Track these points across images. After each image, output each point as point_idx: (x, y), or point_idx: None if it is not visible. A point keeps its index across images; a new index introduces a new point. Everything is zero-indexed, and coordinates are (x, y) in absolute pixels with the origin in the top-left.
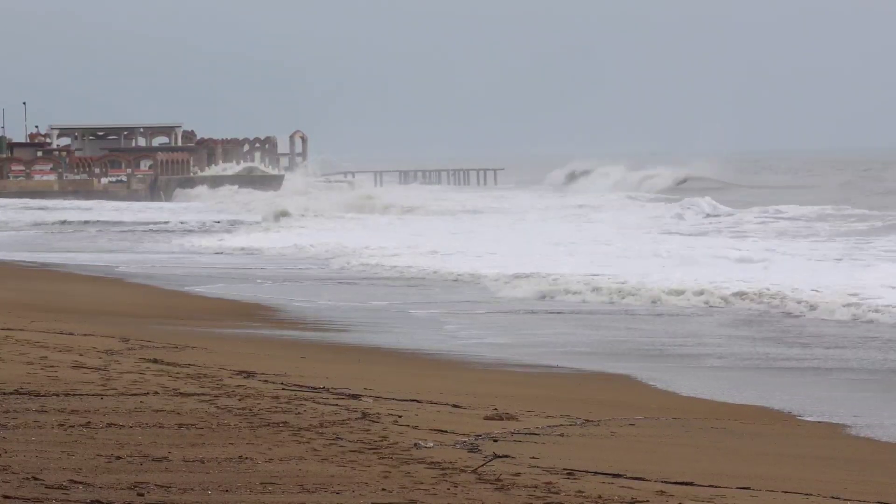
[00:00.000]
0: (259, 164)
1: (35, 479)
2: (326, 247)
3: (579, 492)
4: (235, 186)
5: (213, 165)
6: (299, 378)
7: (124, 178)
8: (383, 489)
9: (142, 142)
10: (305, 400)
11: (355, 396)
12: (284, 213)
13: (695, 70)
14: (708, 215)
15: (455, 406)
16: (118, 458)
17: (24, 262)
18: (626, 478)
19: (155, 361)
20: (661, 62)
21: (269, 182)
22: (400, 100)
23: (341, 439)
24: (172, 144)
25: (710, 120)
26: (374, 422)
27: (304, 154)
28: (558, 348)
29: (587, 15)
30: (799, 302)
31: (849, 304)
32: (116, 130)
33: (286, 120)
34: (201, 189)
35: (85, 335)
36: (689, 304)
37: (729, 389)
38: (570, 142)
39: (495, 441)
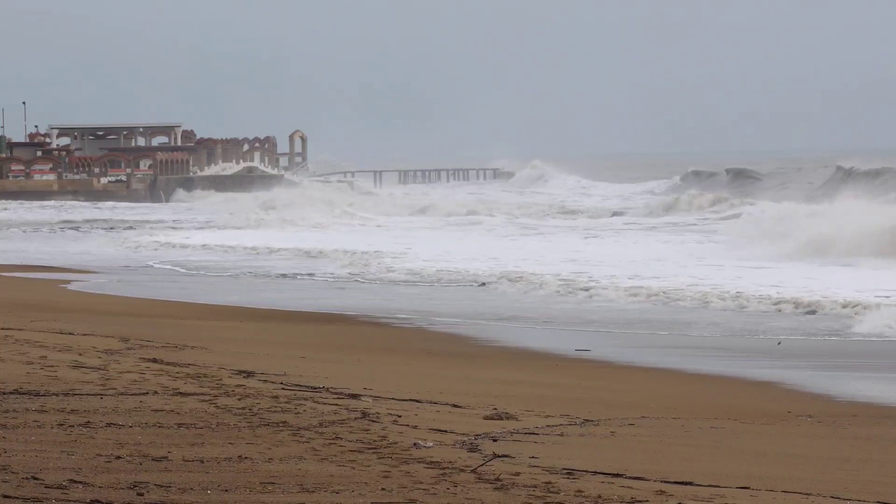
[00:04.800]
0: (259, 164)
1: (35, 478)
2: None
3: (579, 491)
4: (211, 190)
5: (212, 165)
6: (299, 378)
7: (124, 178)
8: (383, 489)
9: (141, 141)
10: (305, 400)
11: (355, 396)
12: None
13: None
14: None
15: (455, 406)
16: (118, 457)
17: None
18: (626, 477)
19: (155, 361)
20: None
21: (268, 182)
22: (400, 100)
23: (341, 439)
24: (172, 144)
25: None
26: (373, 421)
27: (303, 154)
28: None
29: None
30: None
31: None
32: (116, 130)
33: (286, 120)
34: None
35: (85, 335)
36: None
37: None
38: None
39: (495, 441)
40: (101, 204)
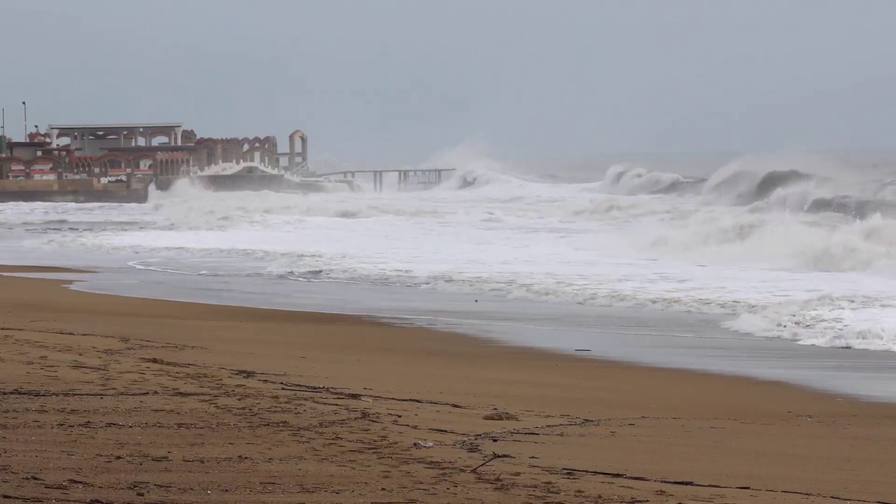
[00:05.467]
0: (259, 164)
1: (35, 478)
2: None
3: (579, 491)
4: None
5: (212, 165)
6: (299, 378)
7: (124, 178)
8: (383, 489)
9: (141, 141)
10: (305, 400)
11: (355, 396)
12: None
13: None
14: None
15: (455, 406)
16: (118, 457)
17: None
18: (626, 478)
19: (155, 361)
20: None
21: (268, 182)
22: (401, 100)
23: (341, 439)
24: (172, 144)
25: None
26: (373, 421)
27: (303, 154)
28: None
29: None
30: None
31: None
32: (116, 130)
33: (286, 120)
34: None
35: (85, 335)
36: None
37: None
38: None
39: (495, 441)
40: (69, 205)
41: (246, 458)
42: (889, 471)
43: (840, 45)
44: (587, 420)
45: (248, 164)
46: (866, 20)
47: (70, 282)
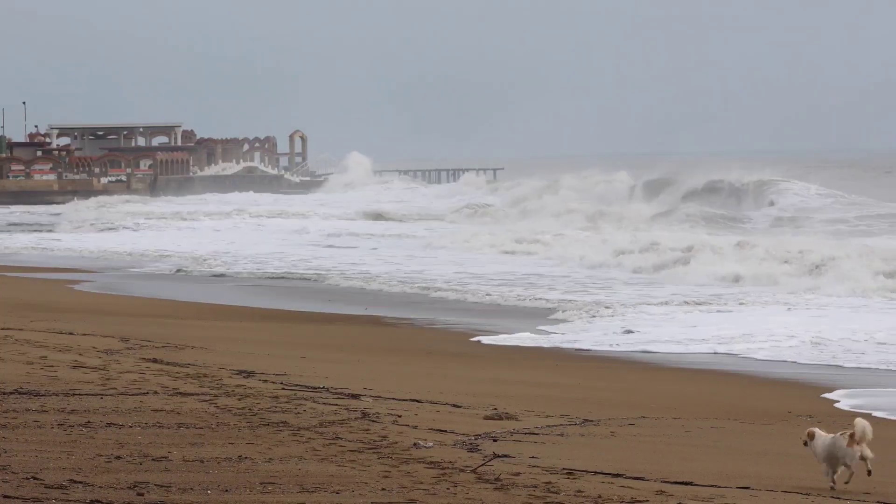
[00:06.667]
0: (259, 164)
1: (35, 478)
2: None
3: (579, 491)
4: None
5: (212, 165)
6: (299, 378)
7: (124, 178)
8: (383, 489)
9: (141, 141)
10: (305, 400)
11: (355, 396)
12: None
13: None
14: None
15: (455, 406)
16: (118, 457)
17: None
18: (626, 477)
19: (155, 361)
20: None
21: (268, 182)
22: (400, 100)
23: (341, 439)
24: (172, 144)
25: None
26: (373, 421)
27: (303, 154)
28: None
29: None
30: None
31: None
32: (116, 130)
33: (286, 120)
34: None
35: (85, 335)
36: None
37: None
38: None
39: (495, 441)
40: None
41: (246, 458)
42: (889, 471)
43: (846, 47)
44: (587, 420)
45: (248, 164)
46: (872, 19)
47: (76, 282)
